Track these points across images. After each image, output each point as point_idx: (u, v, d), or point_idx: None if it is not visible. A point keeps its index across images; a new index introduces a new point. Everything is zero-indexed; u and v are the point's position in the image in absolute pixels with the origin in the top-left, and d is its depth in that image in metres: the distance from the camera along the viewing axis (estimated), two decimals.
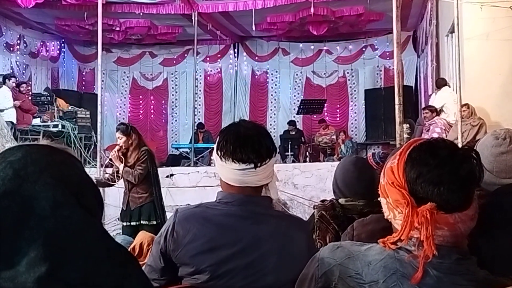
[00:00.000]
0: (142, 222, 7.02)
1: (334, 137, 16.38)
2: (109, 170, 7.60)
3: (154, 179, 7.20)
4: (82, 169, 1.08)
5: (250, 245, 2.15)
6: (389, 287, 1.44)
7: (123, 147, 7.02)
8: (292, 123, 17.14)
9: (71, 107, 15.12)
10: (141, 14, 14.95)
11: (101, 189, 8.92)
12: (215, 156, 2.27)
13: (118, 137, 7.05)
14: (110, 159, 7.16)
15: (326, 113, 18.00)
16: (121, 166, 6.98)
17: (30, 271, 0.89)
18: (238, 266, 2.13)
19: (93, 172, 10.85)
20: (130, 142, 7.03)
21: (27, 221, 0.93)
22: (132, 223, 7.03)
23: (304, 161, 15.37)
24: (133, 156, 7.02)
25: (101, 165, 11.15)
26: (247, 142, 2.18)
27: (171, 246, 2.19)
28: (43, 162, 1.00)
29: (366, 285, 1.46)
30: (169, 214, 5.43)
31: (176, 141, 18.78)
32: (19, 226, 0.92)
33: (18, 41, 16.93)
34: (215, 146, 2.27)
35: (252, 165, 2.16)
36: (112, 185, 7.39)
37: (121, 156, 7.02)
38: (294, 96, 19.19)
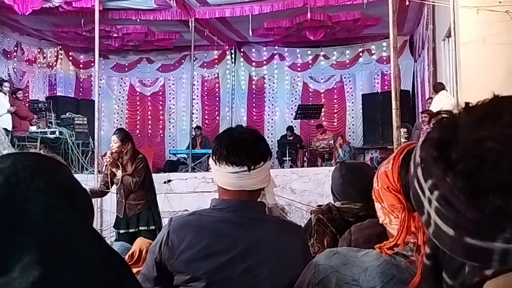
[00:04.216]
0: (140, 228, 7.02)
1: (332, 141, 16.37)
2: (100, 178, 7.61)
3: (150, 186, 7.24)
4: (72, 175, 1.08)
5: (246, 251, 2.15)
6: None
7: (116, 151, 7.01)
8: (290, 128, 17.15)
9: (69, 114, 15.10)
10: (138, 20, 14.94)
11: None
12: (211, 162, 2.28)
13: (113, 140, 7.04)
14: (107, 165, 7.13)
15: (323, 118, 18.02)
16: (119, 172, 6.98)
17: (24, 276, 0.88)
18: (235, 272, 2.12)
19: (91, 179, 10.85)
20: (124, 150, 7.02)
21: (20, 226, 0.92)
22: (130, 230, 7.02)
23: (302, 166, 15.36)
24: (130, 164, 7.01)
25: (99, 172, 11.14)
26: (241, 145, 2.20)
27: (166, 255, 2.19)
28: (34, 168, 1.00)
29: None
30: (165, 220, 5.42)
31: (173, 147, 18.76)
32: (12, 232, 0.92)
33: (15, 48, 16.93)
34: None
35: (246, 168, 2.17)
36: (107, 192, 7.39)
37: (118, 163, 7.01)
38: (292, 101, 19.22)
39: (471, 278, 0.89)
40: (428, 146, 0.89)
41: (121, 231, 7.09)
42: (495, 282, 0.85)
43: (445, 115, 0.90)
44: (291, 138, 16.84)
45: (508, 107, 0.86)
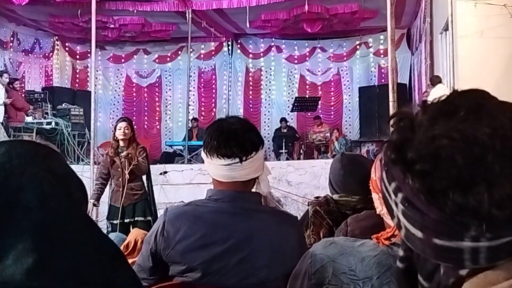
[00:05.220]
0: (137, 218, 7.01)
1: (328, 134, 16.39)
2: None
3: (148, 176, 7.28)
4: (66, 163, 1.07)
5: (242, 241, 2.14)
6: (383, 284, 1.43)
7: (123, 139, 7.01)
8: (283, 120, 17.15)
9: (65, 104, 15.08)
10: (135, 11, 14.90)
11: (93, 187, 8.88)
12: (202, 154, 2.27)
13: (125, 128, 7.02)
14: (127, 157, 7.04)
15: (320, 111, 18.00)
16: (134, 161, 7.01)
17: (18, 263, 0.88)
18: (230, 263, 2.12)
19: (87, 169, 10.82)
20: (132, 134, 7.07)
21: (14, 213, 0.92)
22: (125, 220, 7.00)
23: (298, 159, 15.39)
24: (131, 150, 7.00)
25: (95, 162, 11.12)
26: (231, 137, 2.18)
27: (161, 245, 2.18)
28: (28, 155, 0.99)
29: (360, 281, 1.45)
30: (161, 212, 5.41)
31: (170, 139, 18.74)
32: (6, 219, 0.91)
33: (12, 38, 16.87)
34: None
35: (238, 160, 2.16)
36: (106, 183, 7.33)
37: (118, 151, 7.03)
38: (288, 93, 19.19)
39: (446, 279, 0.88)
40: (387, 148, 0.88)
41: (115, 222, 7.06)
42: (475, 281, 0.84)
43: (403, 116, 0.89)
44: (285, 130, 16.85)
45: (464, 102, 0.85)
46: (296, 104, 16.61)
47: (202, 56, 19.38)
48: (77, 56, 19.58)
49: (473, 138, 0.79)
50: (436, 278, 0.91)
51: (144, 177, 7.26)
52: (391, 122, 0.90)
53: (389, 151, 0.87)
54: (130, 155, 6.91)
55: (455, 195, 0.78)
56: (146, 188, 7.25)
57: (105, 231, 6.96)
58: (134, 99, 19.97)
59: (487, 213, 0.77)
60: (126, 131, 7.02)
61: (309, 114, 17.25)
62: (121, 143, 7.07)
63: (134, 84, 19.98)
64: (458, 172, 0.78)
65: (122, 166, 6.97)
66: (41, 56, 18.46)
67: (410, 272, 0.98)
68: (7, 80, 13.22)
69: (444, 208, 0.79)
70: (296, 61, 19.20)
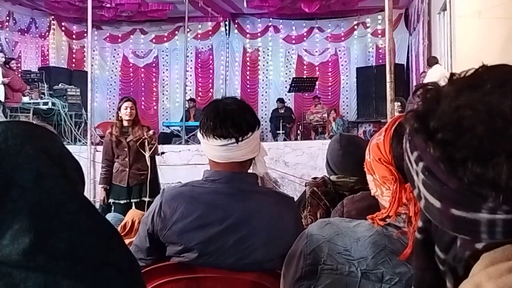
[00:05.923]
0: (144, 199, 7.01)
1: (325, 115, 16.38)
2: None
3: (152, 156, 7.34)
4: (62, 144, 1.07)
5: (238, 222, 2.15)
6: (378, 263, 1.44)
7: (129, 120, 7.02)
8: (280, 100, 17.12)
9: (61, 85, 15.03)
10: None
11: (90, 168, 8.90)
12: (199, 135, 2.27)
13: (131, 107, 7.02)
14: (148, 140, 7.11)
15: (317, 91, 17.98)
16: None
17: (14, 243, 0.88)
18: (227, 243, 2.13)
19: (84, 150, 10.84)
20: (136, 114, 7.09)
21: (10, 194, 0.92)
22: (132, 200, 7.01)
23: (295, 139, 15.38)
24: (137, 130, 7.00)
25: (92, 143, 11.12)
26: (227, 117, 2.19)
27: (158, 226, 2.19)
28: (24, 135, 0.99)
29: (355, 261, 1.46)
30: None
31: (167, 119, 18.71)
32: (2, 199, 0.91)
33: (7, 18, 16.77)
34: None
35: (234, 140, 2.17)
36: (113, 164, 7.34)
37: (123, 130, 7.06)
38: (286, 74, 19.14)
39: (462, 252, 0.89)
40: (410, 118, 0.89)
41: (122, 202, 7.04)
42: (492, 255, 0.84)
43: (430, 87, 0.90)
44: (282, 111, 16.83)
45: (491, 75, 0.86)
46: (293, 84, 16.57)
47: (199, 36, 19.30)
48: (74, 36, 19.48)
49: (497, 110, 0.79)
50: (452, 251, 0.92)
51: (147, 157, 7.24)
52: (418, 93, 0.90)
53: (412, 120, 0.88)
54: (155, 135, 7.03)
55: (474, 165, 0.79)
56: (150, 169, 7.25)
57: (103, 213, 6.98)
58: (131, 79, 19.90)
59: (505, 185, 0.78)
60: (132, 111, 7.02)
61: (306, 94, 17.22)
62: (125, 123, 7.05)
63: (131, 64, 19.91)
64: (479, 142, 0.78)
65: (139, 147, 6.98)
66: (37, 35, 18.37)
67: (427, 243, 0.99)
68: (3, 59, 13.15)
69: (463, 178, 0.80)
70: (293, 41, 19.12)
